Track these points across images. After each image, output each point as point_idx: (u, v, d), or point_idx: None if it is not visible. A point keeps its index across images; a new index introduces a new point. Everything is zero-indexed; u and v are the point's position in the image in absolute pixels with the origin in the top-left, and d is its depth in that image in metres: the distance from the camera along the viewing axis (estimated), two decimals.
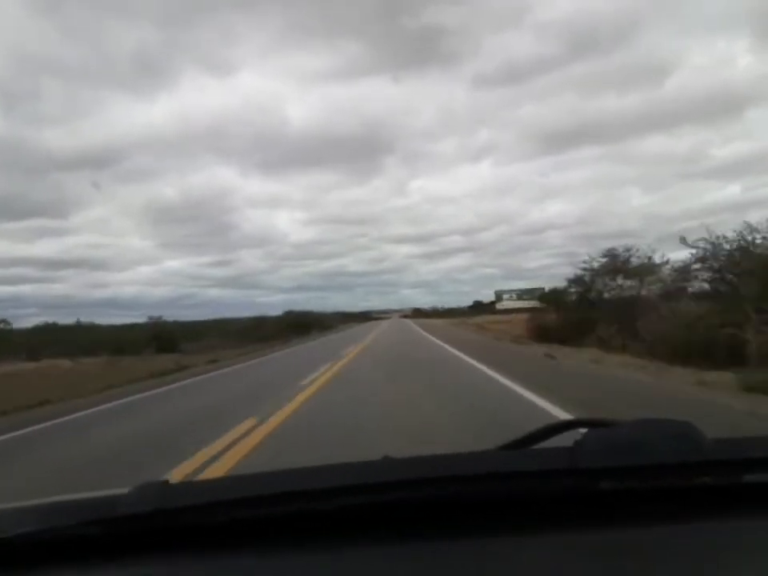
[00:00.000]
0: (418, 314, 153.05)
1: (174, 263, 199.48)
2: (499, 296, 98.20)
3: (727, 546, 0.74)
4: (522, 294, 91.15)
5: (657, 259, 19.17)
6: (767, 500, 0.82)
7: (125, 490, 0.81)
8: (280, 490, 0.80)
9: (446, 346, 19.12)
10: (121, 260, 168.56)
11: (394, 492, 0.79)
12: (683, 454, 0.78)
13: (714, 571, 0.70)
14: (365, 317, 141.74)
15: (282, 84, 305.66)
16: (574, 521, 0.78)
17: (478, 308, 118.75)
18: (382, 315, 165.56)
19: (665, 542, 0.74)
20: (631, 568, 0.70)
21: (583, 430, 0.85)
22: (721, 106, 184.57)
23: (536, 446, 0.89)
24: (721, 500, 0.82)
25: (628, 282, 19.92)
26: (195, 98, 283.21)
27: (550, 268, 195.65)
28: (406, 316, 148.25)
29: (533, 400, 7.03)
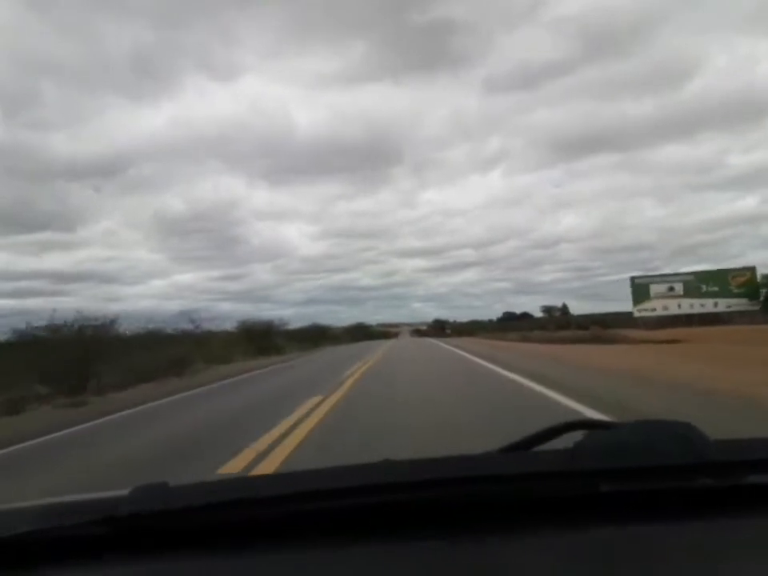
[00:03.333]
0: (439, 329, 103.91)
1: (185, 277, 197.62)
2: (644, 289, 43.63)
3: (728, 547, 0.73)
4: (697, 284, 41.84)
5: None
6: (767, 501, 0.81)
7: (125, 492, 0.82)
8: (278, 493, 0.80)
9: None
10: (131, 273, 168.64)
11: (393, 494, 0.79)
12: (684, 456, 0.77)
13: (715, 572, 0.69)
14: (363, 331, 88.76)
15: (287, 90, 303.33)
16: (575, 523, 0.78)
17: (511, 320, 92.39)
18: (391, 330, 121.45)
19: (665, 544, 0.73)
20: (632, 570, 0.70)
21: (584, 432, 0.84)
22: (742, 112, 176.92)
23: (536, 449, 0.89)
24: (721, 501, 0.81)
25: None
26: (199, 103, 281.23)
27: (564, 282, 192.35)
28: (418, 331, 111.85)
29: None
